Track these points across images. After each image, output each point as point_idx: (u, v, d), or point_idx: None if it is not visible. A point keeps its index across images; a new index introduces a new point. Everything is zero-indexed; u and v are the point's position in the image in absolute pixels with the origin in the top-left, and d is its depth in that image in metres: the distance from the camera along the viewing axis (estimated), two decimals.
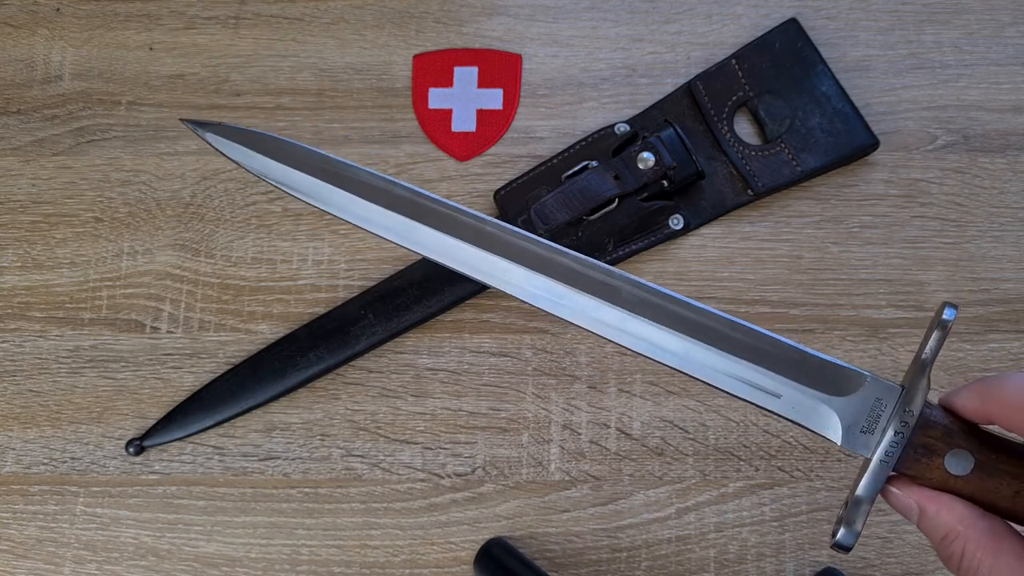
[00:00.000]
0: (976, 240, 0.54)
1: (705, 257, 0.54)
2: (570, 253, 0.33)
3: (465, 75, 0.58)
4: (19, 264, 0.56)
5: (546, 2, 0.59)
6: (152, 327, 0.54)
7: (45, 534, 0.52)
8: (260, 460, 0.52)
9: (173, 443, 0.52)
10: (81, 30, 0.59)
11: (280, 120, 0.57)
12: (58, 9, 0.60)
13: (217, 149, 0.37)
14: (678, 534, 0.50)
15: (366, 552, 0.51)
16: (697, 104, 0.55)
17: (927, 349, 0.30)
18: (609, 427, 0.52)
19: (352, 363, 0.53)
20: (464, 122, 0.57)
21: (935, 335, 0.30)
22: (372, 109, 0.57)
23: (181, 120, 0.40)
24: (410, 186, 0.35)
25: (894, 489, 0.29)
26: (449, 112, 0.57)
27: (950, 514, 0.28)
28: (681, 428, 0.52)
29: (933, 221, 0.54)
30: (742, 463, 0.51)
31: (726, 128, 0.55)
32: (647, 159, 0.52)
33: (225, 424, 0.53)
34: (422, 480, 0.52)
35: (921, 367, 0.29)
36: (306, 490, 0.52)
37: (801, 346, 0.32)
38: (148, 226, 0.56)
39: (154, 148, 0.57)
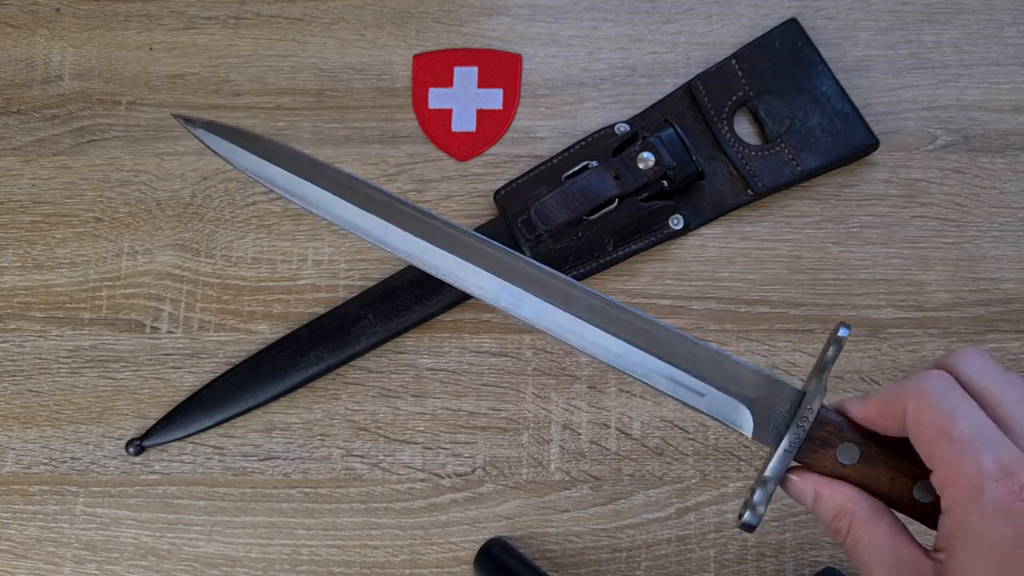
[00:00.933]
0: (976, 240, 0.54)
1: (705, 257, 0.54)
2: (530, 261, 0.37)
3: (465, 75, 0.58)
4: (19, 264, 0.56)
5: (546, 2, 0.59)
6: (152, 327, 0.54)
7: (45, 534, 0.52)
8: (260, 460, 0.52)
9: (173, 443, 0.52)
10: (81, 30, 0.59)
11: (280, 120, 0.57)
12: (58, 9, 0.60)
13: (206, 144, 0.40)
14: (678, 534, 0.50)
15: (366, 552, 0.51)
16: (697, 104, 0.55)
17: (825, 358, 0.34)
18: (609, 427, 0.52)
19: (352, 363, 0.53)
20: (464, 122, 0.57)
21: (831, 348, 0.35)
22: (372, 109, 0.57)
23: (173, 115, 0.42)
24: (385, 190, 0.38)
25: (794, 477, 0.34)
26: (449, 112, 0.57)
27: (841, 495, 0.33)
28: (681, 428, 0.52)
29: (933, 221, 0.54)
30: (742, 463, 0.51)
31: (726, 128, 0.55)
32: (647, 159, 0.52)
33: (225, 424, 0.53)
34: (422, 480, 0.52)
35: (819, 372, 0.34)
36: (306, 490, 0.52)
37: (725, 352, 0.36)
38: (148, 226, 0.56)
39: (154, 148, 0.57)
